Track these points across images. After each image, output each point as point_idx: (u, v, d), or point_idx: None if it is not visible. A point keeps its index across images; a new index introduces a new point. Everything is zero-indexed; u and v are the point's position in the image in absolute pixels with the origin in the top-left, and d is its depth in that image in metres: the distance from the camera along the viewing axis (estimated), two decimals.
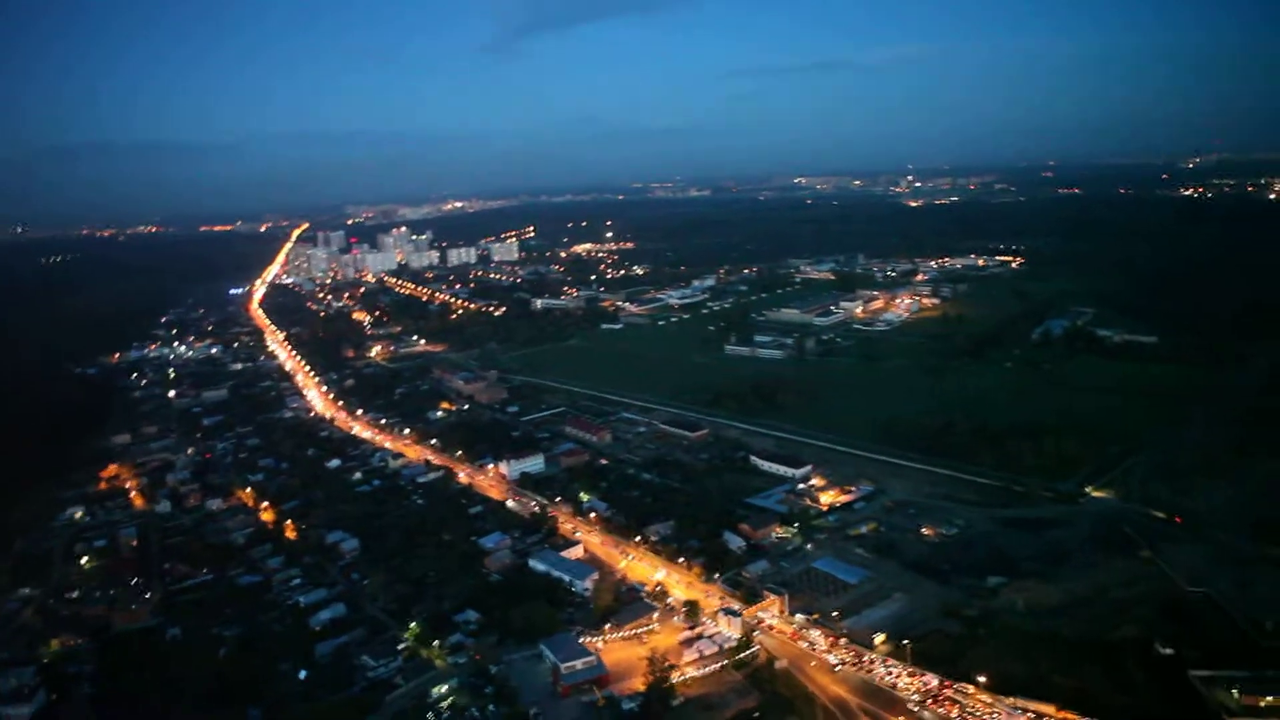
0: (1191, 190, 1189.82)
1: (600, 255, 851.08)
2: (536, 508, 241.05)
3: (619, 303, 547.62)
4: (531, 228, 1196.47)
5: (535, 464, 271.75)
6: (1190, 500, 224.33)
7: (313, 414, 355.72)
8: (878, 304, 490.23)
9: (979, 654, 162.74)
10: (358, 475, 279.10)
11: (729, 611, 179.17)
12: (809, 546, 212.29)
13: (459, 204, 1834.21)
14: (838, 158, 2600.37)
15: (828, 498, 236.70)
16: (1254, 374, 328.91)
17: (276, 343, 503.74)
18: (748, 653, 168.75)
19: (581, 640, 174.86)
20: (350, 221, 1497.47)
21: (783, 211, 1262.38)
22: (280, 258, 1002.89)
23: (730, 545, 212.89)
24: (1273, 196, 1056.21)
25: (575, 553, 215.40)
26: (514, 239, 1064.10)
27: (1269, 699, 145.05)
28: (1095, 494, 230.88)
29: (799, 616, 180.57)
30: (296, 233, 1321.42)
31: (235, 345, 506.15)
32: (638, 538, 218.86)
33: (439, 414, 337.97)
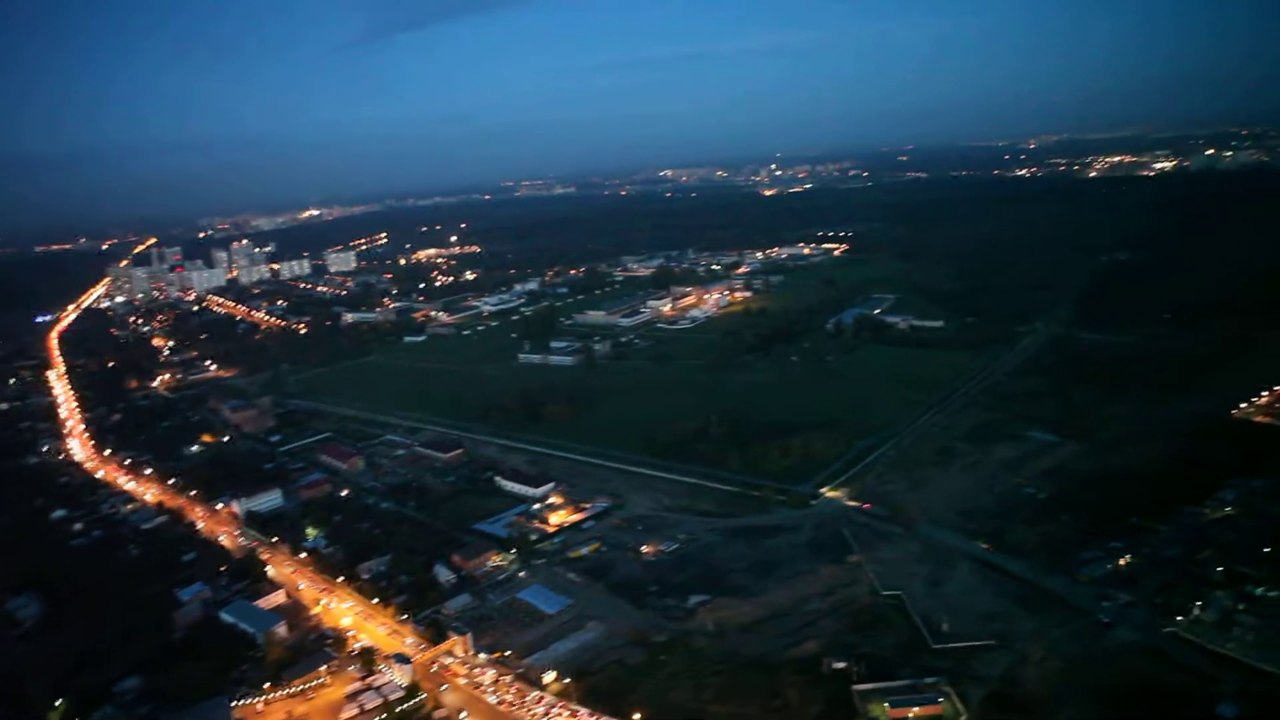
0: (1026, 171, 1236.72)
1: (439, 261, 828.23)
2: (262, 550, 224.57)
3: (433, 312, 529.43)
4: (384, 234, 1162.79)
5: (271, 500, 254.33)
6: (915, 495, 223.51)
7: (62, 457, 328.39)
8: (688, 301, 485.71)
9: (650, 686, 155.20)
10: (78, 526, 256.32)
11: (399, 658, 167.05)
12: (521, 575, 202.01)
13: (318, 211, 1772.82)
14: (705, 149, 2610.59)
15: (559, 518, 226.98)
16: (1016, 356, 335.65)
17: (58, 377, 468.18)
18: (413, 702, 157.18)
19: (242, 702, 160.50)
20: (202, 234, 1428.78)
21: (640, 206, 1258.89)
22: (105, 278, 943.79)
23: (440, 579, 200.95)
24: (1093, 174, 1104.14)
25: (275, 599, 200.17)
26: (364, 246, 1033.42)
27: (915, 710, 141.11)
28: (829, 494, 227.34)
29: (481, 656, 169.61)
30: (138, 249, 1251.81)
31: (12, 382, 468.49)
32: (345, 577, 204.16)
33: (195, 449, 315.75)
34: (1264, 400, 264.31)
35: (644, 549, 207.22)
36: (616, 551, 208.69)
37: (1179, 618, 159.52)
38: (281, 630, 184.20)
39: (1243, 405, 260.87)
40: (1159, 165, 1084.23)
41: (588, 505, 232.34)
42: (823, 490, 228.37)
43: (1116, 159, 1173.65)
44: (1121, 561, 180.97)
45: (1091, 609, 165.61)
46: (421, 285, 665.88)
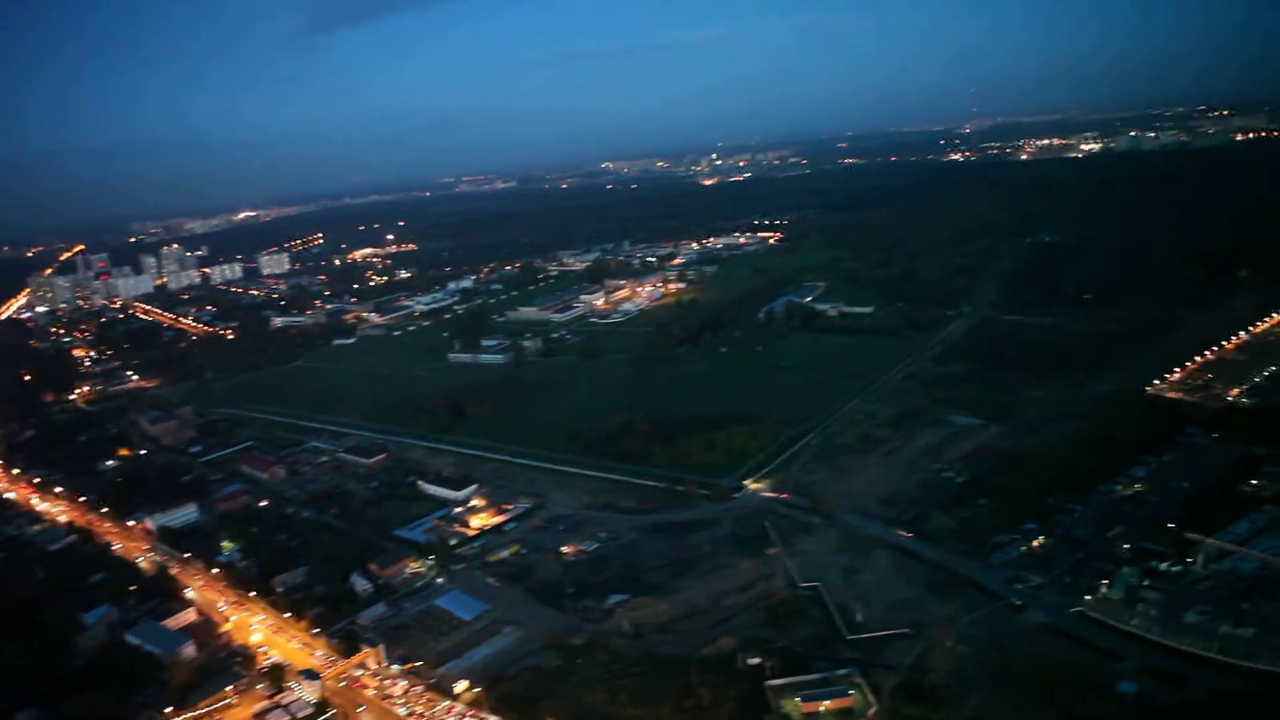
0: (959, 155, 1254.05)
1: (375, 260, 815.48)
2: (175, 567, 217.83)
3: (365, 314, 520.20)
4: (320, 235, 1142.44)
5: (186, 514, 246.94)
6: (837, 484, 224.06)
7: None
8: (621, 294, 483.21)
9: (564, 691, 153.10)
10: None
11: (308, 674, 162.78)
12: (440, 581, 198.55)
13: (253, 213, 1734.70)
14: (647, 140, 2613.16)
15: (480, 520, 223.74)
16: (942, 341, 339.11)
17: None
18: (323, 719, 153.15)
19: None
20: (134, 239, 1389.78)
21: (580, 199, 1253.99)
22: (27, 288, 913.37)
23: (357, 589, 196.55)
24: (1024, 157, 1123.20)
25: (185, 617, 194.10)
26: (299, 247, 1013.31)
27: (826, 704, 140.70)
28: (753, 487, 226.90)
29: (394, 667, 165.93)
30: (64, 256, 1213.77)
31: None
32: (260, 591, 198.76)
33: (110, 463, 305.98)
34: (1176, 377, 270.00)
35: (564, 550, 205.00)
36: (537, 553, 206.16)
37: (1087, 597, 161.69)
38: (189, 650, 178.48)
39: (1156, 383, 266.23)
40: (1086, 147, 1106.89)
41: (510, 507, 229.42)
42: (746, 483, 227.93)
43: (1046, 142, 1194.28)
44: (1035, 543, 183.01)
45: (1004, 592, 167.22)
46: (355, 286, 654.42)
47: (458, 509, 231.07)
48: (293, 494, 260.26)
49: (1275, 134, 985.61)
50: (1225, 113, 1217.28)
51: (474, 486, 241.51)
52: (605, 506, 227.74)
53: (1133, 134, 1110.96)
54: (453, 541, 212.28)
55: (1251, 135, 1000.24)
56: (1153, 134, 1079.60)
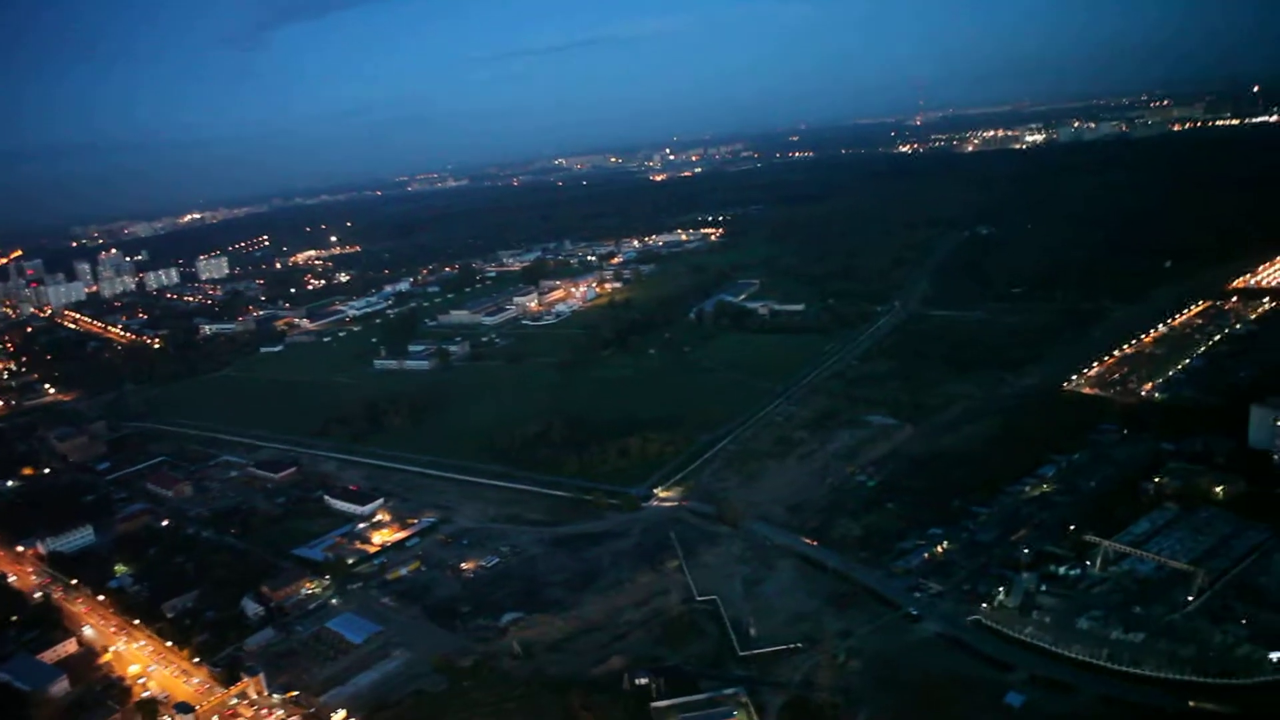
0: (908, 147, 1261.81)
1: (316, 263, 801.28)
2: (62, 593, 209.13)
3: (297, 319, 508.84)
4: (266, 236, 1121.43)
5: (81, 538, 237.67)
6: (748, 490, 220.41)
7: None
8: (556, 295, 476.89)
9: (449, 716, 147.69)
10: None
11: (182, 707, 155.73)
12: (335, 602, 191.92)
13: (200, 215, 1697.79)
14: (602, 135, 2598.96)
15: (382, 536, 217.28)
16: (869, 339, 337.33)
17: None
18: None
19: None
20: (74, 244, 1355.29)
21: (529, 197, 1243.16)
22: None
23: (248, 612, 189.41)
24: (970, 149, 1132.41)
25: (66, 648, 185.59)
26: (244, 250, 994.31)
27: None
28: (663, 495, 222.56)
29: (275, 696, 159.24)
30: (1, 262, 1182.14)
31: None
32: (147, 618, 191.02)
33: (10, 484, 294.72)
34: (1093, 372, 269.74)
35: (464, 565, 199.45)
36: (436, 570, 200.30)
37: (983, 605, 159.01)
38: (62, 685, 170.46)
39: (1074, 378, 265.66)
40: (1030, 138, 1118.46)
41: (414, 521, 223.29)
42: (656, 491, 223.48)
43: (992, 133, 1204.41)
44: (939, 549, 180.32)
45: (902, 602, 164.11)
46: (292, 290, 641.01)
47: (362, 525, 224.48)
48: (197, 512, 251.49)
49: (1211, 124, 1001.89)
50: (1164, 103, 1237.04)
51: (380, 501, 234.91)
52: (512, 519, 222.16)
53: (1076, 125, 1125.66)
54: (351, 560, 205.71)
55: (1188, 125, 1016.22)
56: (1093, 124, 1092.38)
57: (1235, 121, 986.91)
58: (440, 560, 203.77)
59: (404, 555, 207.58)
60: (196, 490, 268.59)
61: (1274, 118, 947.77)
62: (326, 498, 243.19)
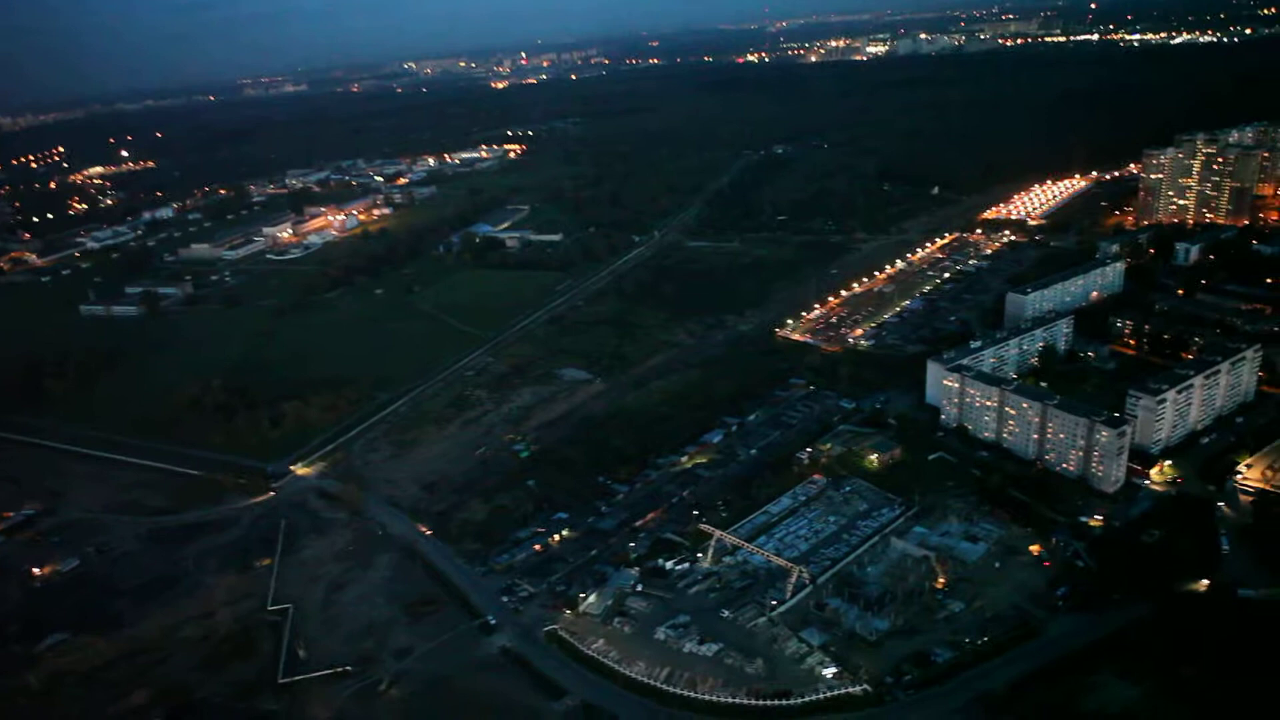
0: (755, 56, 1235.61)
1: (95, 183, 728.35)
2: None
3: (28, 253, 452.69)
4: (61, 147, 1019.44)
5: None
6: (392, 465, 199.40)
7: None
8: (315, 224, 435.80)
9: None
10: None
11: None
12: None
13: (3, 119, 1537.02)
14: (460, 37, 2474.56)
15: None
16: (610, 275, 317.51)
17: None
18: None
19: None
20: None
21: (362, 105, 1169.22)
22: None
23: None
24: (813, 59, 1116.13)
25: None
26: (34, 164, 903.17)
27: None
28: (301, 472, 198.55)
29: None
30: None
31: None
32: None
33: None
34: (811, 316, 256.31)
35: (37, 571, 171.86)
36: (5, 577, 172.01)
37: (566, 611, 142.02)
38: None
39: (790, 323, 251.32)
40: (871, 49, 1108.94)
41: (10, 515, 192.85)
42: (294, 467, 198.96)
43: (835, 44, 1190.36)
44: (556, 538, 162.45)
45: (486, 608, 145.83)
46: (50, 216, 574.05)
47: None
48: None
49: (1041, 39, 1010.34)
50: (1008, 16, 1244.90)
51: None
52: (129, 506, 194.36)
53: (922, 37, 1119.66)
54: None
55: (1020, 40, 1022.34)
56: (931, 37, 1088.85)
57: (1062, 39, 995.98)
58: (13, 565, 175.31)
59: None
60: None
61: (1095, 36, 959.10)
62: None
